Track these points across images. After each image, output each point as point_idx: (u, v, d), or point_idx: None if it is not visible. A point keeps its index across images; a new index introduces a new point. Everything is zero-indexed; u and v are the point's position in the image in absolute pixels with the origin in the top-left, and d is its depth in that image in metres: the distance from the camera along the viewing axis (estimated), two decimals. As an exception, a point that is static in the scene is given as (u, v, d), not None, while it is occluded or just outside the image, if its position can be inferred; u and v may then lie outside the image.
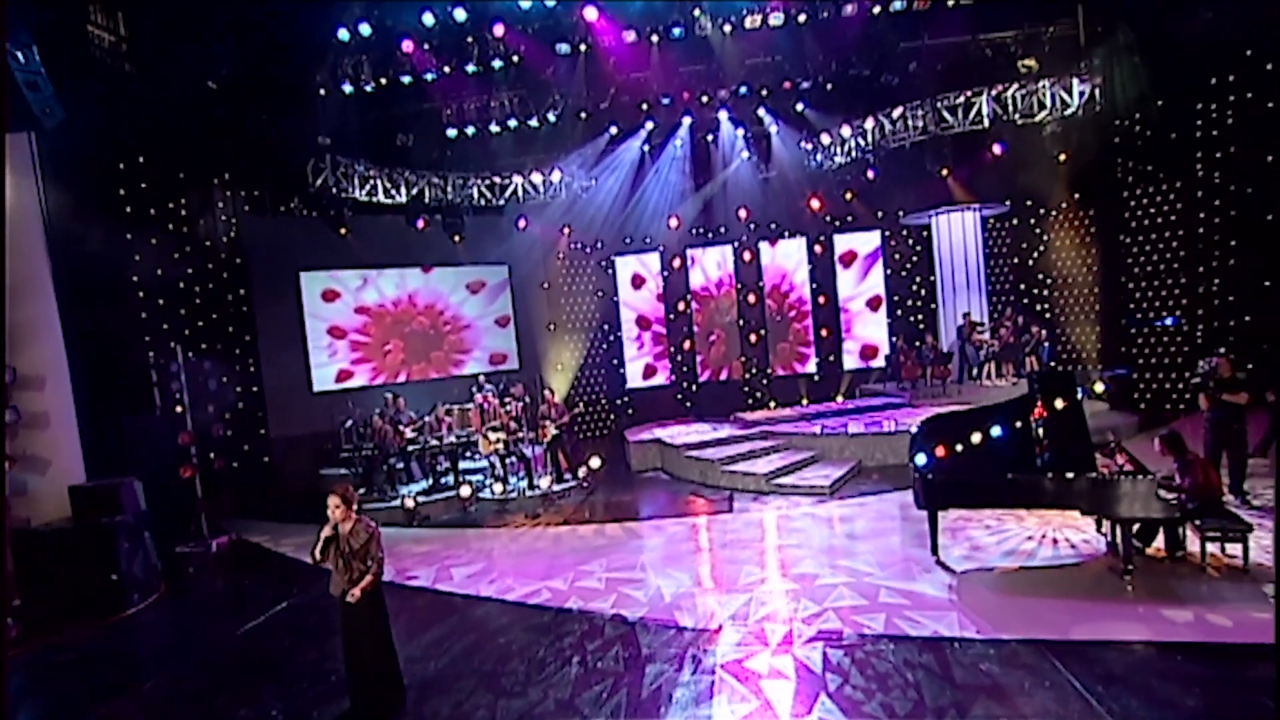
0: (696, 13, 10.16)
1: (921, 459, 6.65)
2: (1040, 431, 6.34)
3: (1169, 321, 12.85)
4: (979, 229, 13.99)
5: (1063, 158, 12.26)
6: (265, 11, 9.77)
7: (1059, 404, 6.37)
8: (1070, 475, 5.95)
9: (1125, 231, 13.09)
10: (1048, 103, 11.54)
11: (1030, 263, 14.20)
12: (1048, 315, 13.93)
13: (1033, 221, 14.01)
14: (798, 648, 5.30)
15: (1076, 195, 13.51)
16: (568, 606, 6.59)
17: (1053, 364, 13.36)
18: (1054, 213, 13.82)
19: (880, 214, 14.91)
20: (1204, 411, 7.95)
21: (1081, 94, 11.46)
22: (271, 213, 13.37)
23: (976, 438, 6.60)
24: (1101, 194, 13.31)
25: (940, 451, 6.62)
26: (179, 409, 9.94)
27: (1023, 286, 14.31)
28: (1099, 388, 12.40)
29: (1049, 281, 14.13)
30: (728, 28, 10.48)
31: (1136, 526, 6.29)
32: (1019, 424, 6.54)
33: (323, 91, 11.46)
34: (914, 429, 7.01)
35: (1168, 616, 5.29)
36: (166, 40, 9.98)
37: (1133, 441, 10.19)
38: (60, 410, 7.94)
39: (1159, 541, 6.41)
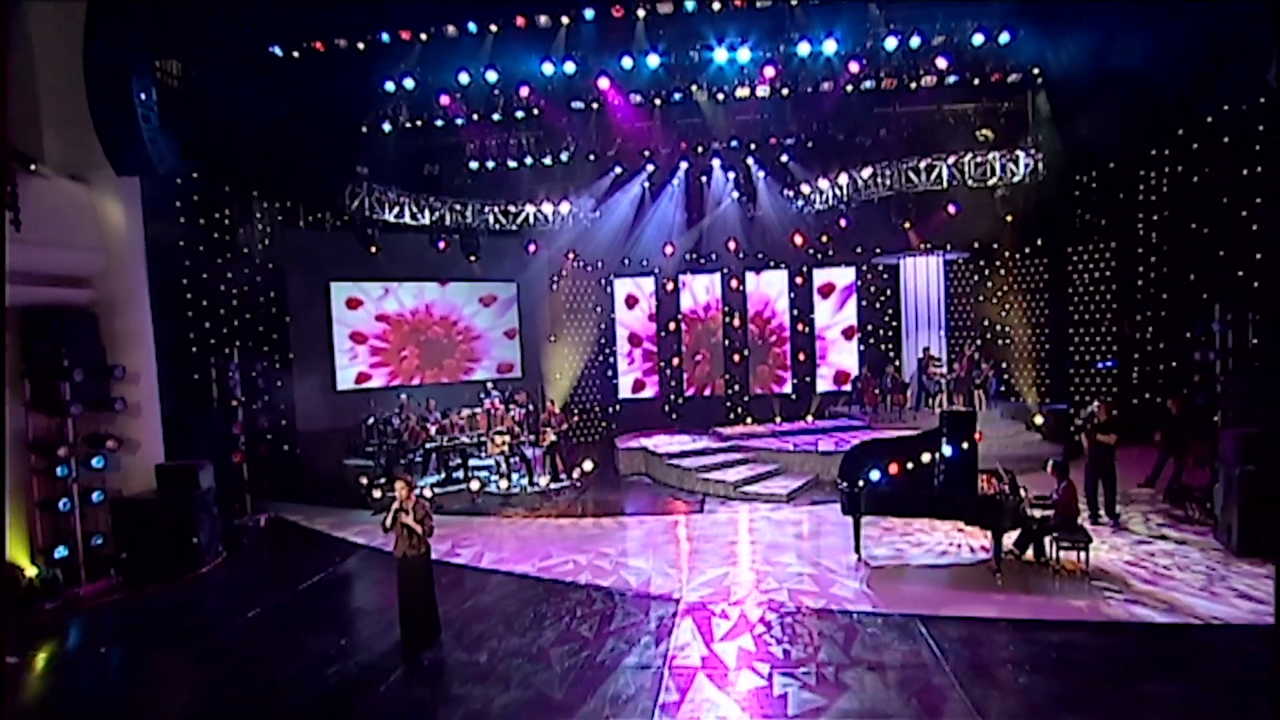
0: (694, 88, 11.87)
1: (849, 474, 8.33)
2: (940, 456, 8.03)
3: (1107, 364, 14.62)
4: (941, 272, 15.76)
5: (1009, 218, 14.03)
6: (326, 66, 11.44)
7: (960, 436, 8.09)
8: (955, 493, 7.65)
9: (1069, 283, 14.92)
10: (998, 171, 13.30)
11: (986, 305, 15.88)
12: (1001, 353, 15.64)
13: (989, 269, 15.75)
14: (737, 611, 7.00)
15: (1027, 249, 15.33)
16: (559, 579, 8.26)
17: (1001, 393, 15.13)
18: (1008, 263, 15.57)
19: (859, 249, 16.57)
20: (1085, 449, 9.70)
21: (1027, 165, 13.22)
22: (308, 228, 15.03)
23: (898, 459, 8.27)
24: (1048, 250, 15.16)
25: (865, 469, 8.29)
26: (233, 403, 11.61)
27: (980, 326, 16.01)
28: (1038, 420, 14.08)
29: (1001, 323, 15.84)
30: (720, 95, 12.20)
31: (1015, 538, 8.01)
32: (930, 450, 8.24)
33: (365, 129, 13.11)
34: (846, 450, 8.71)
35: (1016, 601, 7.00)
36: (232, 84, 11.54)
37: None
38: (148, 401, 9.57)
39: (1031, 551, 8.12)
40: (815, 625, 6.68)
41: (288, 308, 14.63)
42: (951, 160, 13.41)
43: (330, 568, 9.23)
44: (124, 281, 9.33)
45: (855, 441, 9.17)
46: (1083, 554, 7.62)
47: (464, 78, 11.90)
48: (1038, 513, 8.04)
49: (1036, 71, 11.81)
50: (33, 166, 8.10)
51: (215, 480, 9.95)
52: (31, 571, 7.95)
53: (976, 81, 11.80)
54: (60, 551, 8.30)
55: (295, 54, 11.23)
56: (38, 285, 8.32)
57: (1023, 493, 7.96)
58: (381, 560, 9.08)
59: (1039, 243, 15.24)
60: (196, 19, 9.27)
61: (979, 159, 13.33)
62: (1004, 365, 15.37)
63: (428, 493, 12.01)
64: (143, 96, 8.50)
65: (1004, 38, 11.15)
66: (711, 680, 5.71)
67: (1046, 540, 7.91)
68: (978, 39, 11.17)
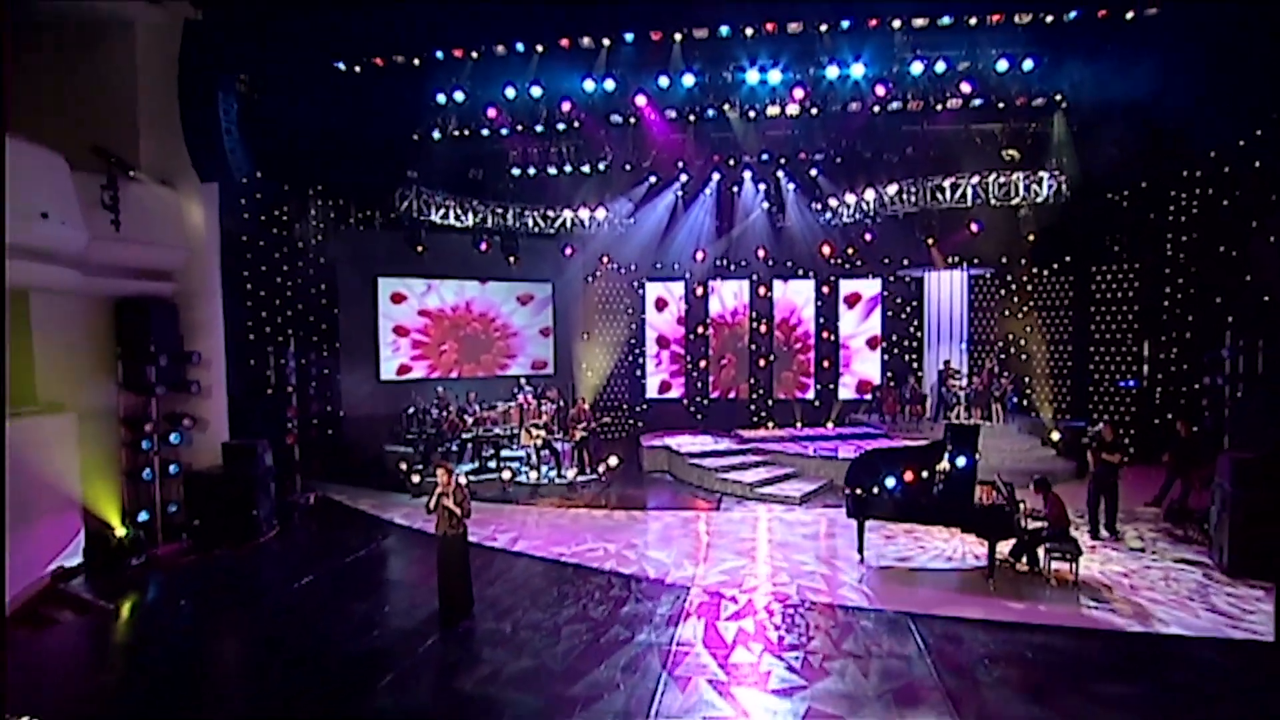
0: (726, 106, 12.47)
1: (855, 480, 8.90)
2: (941, 467, 8.55)
3: (1129, 384, 14.84)
4: (965, 287, 16.11)
5: (1031, 237, 14.35)
6: (384, 79, 12.32)
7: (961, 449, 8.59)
8: (953, 502, 8.18)
9: (1092, 302, 15.16)
10: (1021, 190, 13.64)
11: (1008, 321, 16.19)
12: (1020, 368, 15.92)
13: (1013, 286, 16.06)
14: (744, 599, 7.65)
15: (1054, 266, 15.59)
16: (583, 564, 8.99)
17: (1021, 407, 15.45)
18: (1032, 280, 15.86)
19: (886, 260, 16.98)
20: (1090, 466, 10.09)
21: (1050, 186, 13.53)
22: (358, 226, 16.01)
23: (903, 468, 8.81)
24: (1073, 268, 15.41)
25: (870, 476, 8.84)
26: (288, 389, 12.60)
27: (1001, 341, 16.32)
28: (1054, 435, 14.38)
29: (1023, 339, 16.14)
30: (751, 114, 12.77)
31: (1010, 547, 8.50)
32: (933, 460, 8.76)
33: (416, 137, 13.99)
34: (854, 458, 9.27)
35: (1004, 605, 7.51)
36: (297, 95, 12.44)
37: (1063, 485, 12.16)
38: (217, 385, 10.57)
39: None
40: (813, 618, 7.29)
41: (337, 301, 15.61)
42: (976, 179, 13.76)
43: (372, 544, 10.12)
44: (201, 275, 10.34)
45: (863, 450, 9.69)
46: (1073, 564, 8.07)
47: (510, 92, 12.67)
48: (1033, 524, 8.52)
49: (1059, 97, 12.07)
50: (131, 173, 9.09)
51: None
52: (120, 532, 8.99)
53: (1001, 105, 12.15)
54: (142, 516, 9.33)
55: (356, 68, 12.10)
56: (131, 279, 9.35)
57: (1021, 505, 8.45)
58: (419, 540, 9.95)
59: (1065, 261, 15.49)
60: (273, 40, 10.14)
61: (1003, 179, 13.67)
62: (1023, 380, 15.67)
63: (464, 479, 12.87)
64: (225, 113, 9.46)
65: (1027, 64, 11.49)
66: (713, 656, 6.38)
67: (1040, 550, 8.39)
68: (1001, 65, 11.51)
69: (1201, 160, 12.91)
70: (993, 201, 13.79)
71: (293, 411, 12.61)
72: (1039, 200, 13.66)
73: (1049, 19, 10.75)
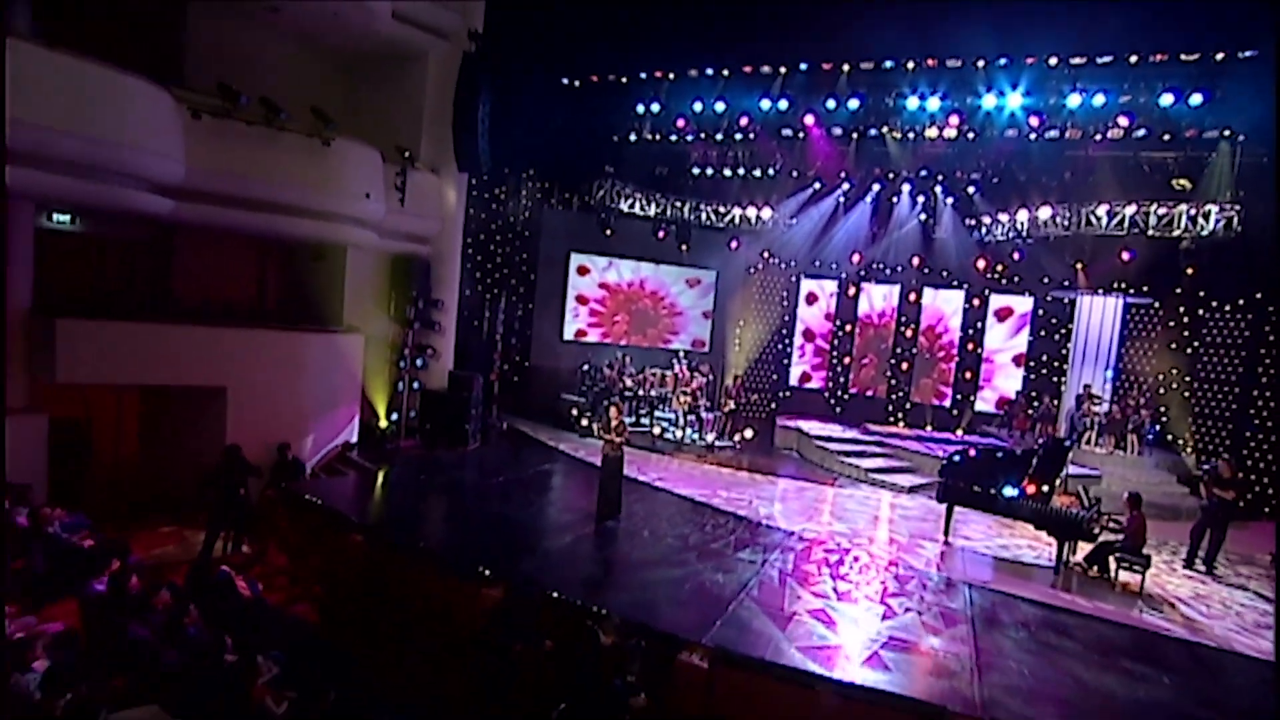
0: (885, 128, 13.81)
1: (948, 470, 10.29)
2: (1030, 470, 9.73)
3: None
4: (1119, 314, 16.12)
5: (1190, 271, 14.20)
6: (597, 92, 15.05)
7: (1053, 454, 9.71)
8: (1031, 501, 9.39)
9: (1263, 343, 14.67)
10: (1184, 222, 13.60)
11: (1162, 353, 15.91)
12: (1165, 401, 15.68)
13: (1171, 319, 15.75)
14: (831, 548, 9.49)
15: (1226, 304, 15.12)
16: (708, 504, 11.20)
17: (1167, 442, 15.38)
18: (1193, 314, 15.49)
19: (1045, 279, 17.17)
20: (1202, 499, 10.58)
21: (1219, 220, 13.36)
22: (558, 206, 19.04)
23: (990, 465, 10.09)
24: (1249, 307, 14.89)
25: (962, 469, 10.20)
26: (495, 337, 15.88)
27: (1149, 372, 16.10)
28: (1196, 474, 14.29)
29: (1179, 372, 15.81)
30: (911, 135, 13.99)
31: (1086, 553, 9.52)
32: (1024, 463, 9.94)
33: (615, 139, 16.66)
34: (953, 452, 10.64)
35: (1061, 596, 8.69)
36: (530, 101, 15.46)
37: (1188, 522, 12.29)
38: (449, 326, 13.94)
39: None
40: (886, 569, 8.98)
41: (535, 268, 18.75)
42: (1134, 208, 13.89)
43: (550, 464, 13.00)
44: (448, 241, 13.70)
45: (962, 446, 10.99)
46: (1142, 576, 8.97)
47: (698, 106, 14.87)
48: (1109, 535, 9.47)
49: (1229, 132, 12.03)
50: (415, 164, 12.44)
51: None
52: (383, 424, 12.55)
53: (1166, 136, 12.31)
54: (394, 416, 12.86)
55: (577, 83, 14.89)
56: (405, 241, 12.80)
57: (1100, 515, 9.43)
58: (583, 467, 12.63)
59: (1239, 301, 15.03)
60: (522, 65, 13.12)
61: (1164, 209, 13.68)
62: (1162, 413, 15.50)
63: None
64: (481, 120, 12.53)
65: (1195, 99, 11.51)
66: (794, 577, 8.36)
67: (1111, 560, 9.36)
68: (1166, 99, 11.61)
69: None
70: (1150, 231, 13.88)
71: (497, 355, 15.88)
72: (1204, 234, 13.56)
73: (1219, 56, 10.96)
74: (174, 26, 11.18)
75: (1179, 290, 15.29)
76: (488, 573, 7.52)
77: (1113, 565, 9.29)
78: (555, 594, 7.18)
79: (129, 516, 9.91)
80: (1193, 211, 13.54)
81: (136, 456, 11.33)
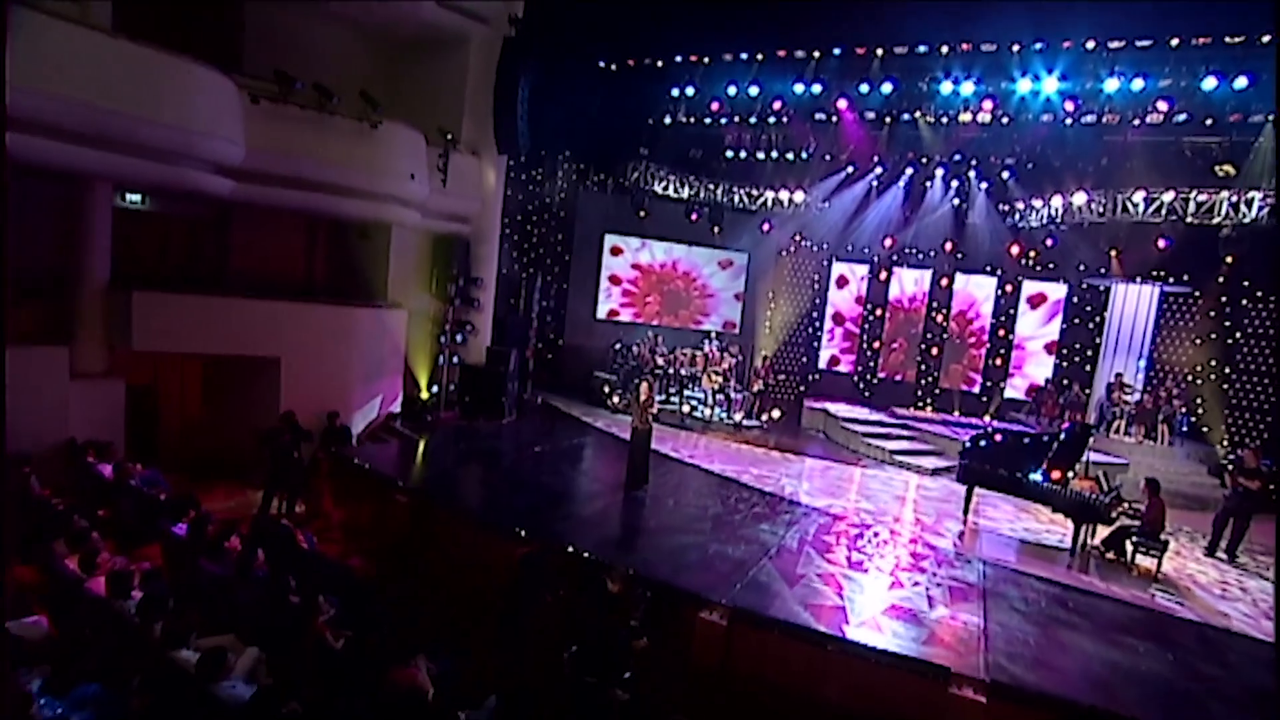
0: (918, 113, 13.85)
1: (968, 452, 10.54)
2: (1049, 453, 9.92)
3: None
4: (1155, 303, 15.98)
5: (1230, 260, 14.02)
6: (633, 75, 15.31)
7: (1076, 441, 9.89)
8: (1048, 484, 9.61)
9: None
10: (1225, 209, 13.43)
11: (1197, 343, 15.76)
12: (1199, 392, 15.57)
13: (1209, 308, 15.56)
14: (852, 522, 9.85)
15: (1263, 293, 14.93)
16: (734, 479, 11.61)
17: (1201, 434, 15.29)
18: (1232, 304, 15.30)
19: (1080, 266, 17.03)
20: (1225, 487, 10.65)
21: (1261, 208, 13.16)
22: (594, 187, 19.38)
23: (1009, 448, 10.30)
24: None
25: (982, 450, 10.43)
26: (531, 314, 16.41)
27: (1183, 362, 15.96)
28: (1229, 466, 14.24)
29: (1217, 364, 15.65)
30: (945, 120, 14.00)
31: (1104, 536, 9.71)
32: (1045, 449, 10.13)
33: (650, 121, 16.93)
34: (975, 434, 10.87)
35: (1075, 576, 8.94)
36: (566, 84, 15.80)
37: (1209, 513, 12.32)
38: (488, 303, 14.49)
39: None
40: (899, 549, 9.32)
41: (570, 249, 19.19)
42: (1172, 195, 13.74)
43: (582, 438, 13.54)
44: (488, 221, 14.22)
45: (983, 429, 11.20)
46: (1158, 561, 9.15)
47: (732, 90, 15.03)
48: (1126, 520, 9.64)
49: (1275, 117, 11.82)
50: (457, 146, 12.93)
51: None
52: (424, 396, 13.20)
53: (1208, 121, 12.11)
54: (435, 388, 13.49)
55: (614, 67, 15.18)
56: (446, 220, 13.34)
57: (1119, 500, 9.60)
58: (613, 441, 13.13)
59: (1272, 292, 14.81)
60: (560, 49, 13.47)
61: (1204, 195, 13.51)
62: (1195, 404, 15.39)
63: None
64: (521, 104, 12.95)
65: (1240, 82, 11.17)
66: (814, 548, 8.75)
67: (1128, 544, 9.54)
68: (1209, 83, 11.32)
69: None
70: (1189, 219, 13.74)
71: (533, 332, 16.42)
72: (1246, 222, 13.38)
73: (1265, 39, 10.76)
74: (233, 15, 11.79)
75: (1220, 279, 15.10)
76: (523, 532, 8.07)
77: (1129, 549, 9.50)
78: (570, 548, 7.74)
79: (193, 476, 10.69)
80: (1234, 198, 13.38)
81: (199, 421, 12.15)
